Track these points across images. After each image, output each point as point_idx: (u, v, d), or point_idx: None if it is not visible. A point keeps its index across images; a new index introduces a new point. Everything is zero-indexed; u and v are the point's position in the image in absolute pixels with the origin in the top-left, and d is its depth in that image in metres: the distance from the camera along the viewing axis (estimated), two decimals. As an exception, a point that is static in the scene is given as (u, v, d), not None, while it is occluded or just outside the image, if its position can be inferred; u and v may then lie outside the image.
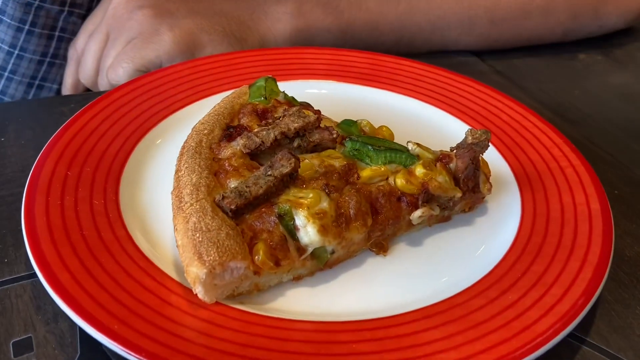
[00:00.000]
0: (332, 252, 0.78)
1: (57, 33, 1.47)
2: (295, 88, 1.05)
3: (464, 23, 1.41)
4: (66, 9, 1.45)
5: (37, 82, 1.50)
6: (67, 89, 1.44)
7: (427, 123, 1.10)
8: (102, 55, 1.32)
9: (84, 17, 1.47)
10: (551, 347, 0.67)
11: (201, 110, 0.98)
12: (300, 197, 0.78)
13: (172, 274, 0.75)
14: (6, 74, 1.45)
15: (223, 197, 0.76)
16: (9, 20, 1.39)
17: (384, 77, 1.19)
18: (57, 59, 1.49)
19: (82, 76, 1.37)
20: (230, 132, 0.90)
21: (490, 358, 0.65)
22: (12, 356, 0.70)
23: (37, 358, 0.70)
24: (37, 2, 1.38)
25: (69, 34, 1.48)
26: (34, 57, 1.46)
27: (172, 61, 1.23)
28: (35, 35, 1.43)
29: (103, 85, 1.31)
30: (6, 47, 1.42)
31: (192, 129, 0.91)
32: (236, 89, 1.03)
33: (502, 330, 0.68)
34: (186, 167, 0.82)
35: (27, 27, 1.41)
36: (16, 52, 1.43)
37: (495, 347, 0.65)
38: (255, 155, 0.86)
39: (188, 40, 1.24)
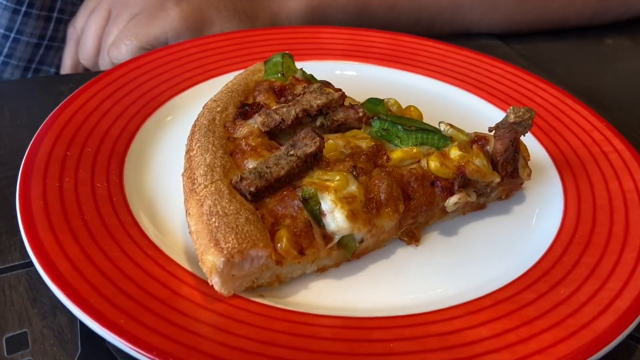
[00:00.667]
0: (361, 241, 0.71)
1: (55, 14, 1.38)
2: (310, 69, 0.97)
3: (487, 2, 1.33)
4: None
5: (34, 65, 1.41)
6: (65, 71, 1.36)
7: (455, 106, 1.02)
8: (103, 33, 1.24)
9: None
10: (612, 348, 0.60)
11: (210, 91, 0.90)
12: (326, 180, 0.70)
13: (184, 263, 0.68)
14: (2, 58, 1.37)
15: (241, 179, 0.69)
16: (4, 2, 1.30)
17: (406, 58, 1.12)
18: (54, 42, 1.41)
19: (82, 56, 1.29)
20: (245, 109, 0.82)
21: (547, 360, 0.58)
22: (5, 353, 0.62)
23: (34, 355, 0.62)
24: None
25: (68, 16, 1.40)
26: (31, 40, 1.38)
27: (178, 38, 1.15)
28: (33, 17, 1.35)
29: (104, 65, 1.23)
30: (2, 31, 1.33)
31: (204, 107, 0.83)
32: (249, 67, 0.95)
33: (557, 329, 0.61)
34: (199, 147, 0.74)
35: (24, 8, 1.33)
36: (12, 35, 1.35)
37: (553, 348, 0.58)
38: (274, 135, 0.79)
39: (196, 17, 1.16)
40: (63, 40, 1.39)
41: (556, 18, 1.41)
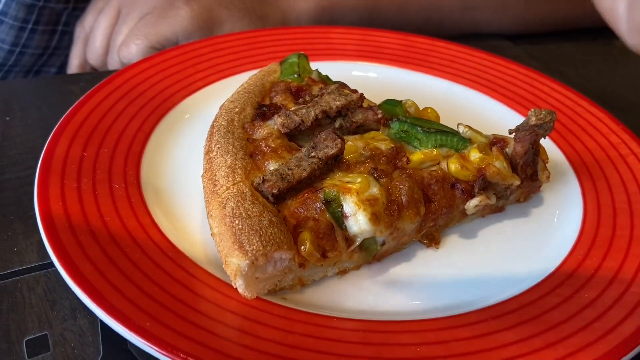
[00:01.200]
0: (383, 244, 0.70)
1: (60, 27, 1.36)
2: (322, 69, 0.97)
3: (497, 2, 1.33)
4: (71, 5, 1.34)
5: (35, 68, 1.40)
6: (72, 70, 1.34)
7: (469, 107, 1.02)
8: (112, 32, 1.23)
9: None
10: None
11: (223, 91, 0.90)
12: (348, 182, 0.70)
13: (205, 264, 0.67)
14: (6, 68, 1.36)
15: (263, 180, 0.68)
16: (11, 22, 1.28)
17: (419, 59, 1.11)
18: (58, 50, 1.39)
19: (90, 55, 1.27)
20: (263, 110, 0.81)
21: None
22: (26, 356, 0.61)
23: (55, 359, 0.61)
24: (41, 3, 1.27)
25: (72, 28, 1.38)
26: (36, 51, 1.36)
27: (189, 38, 1.14)
28: (38, 32, 1.32)
29: (113, 64, 1.22)
30: (7, 47, 1.31)
31: (221, 108, 0.83)
32: (264, 67, 0.94)
33: (583, 333, 0.60)
34: (218, 148, 0.74)
35: (30, 26, 1.30)
36: (18, 49, 1.32)
37: (581, 352, 0.58)
38: (292, 136, 0.78)
39: (206, 16, 1.16)
40: (67, 47, 1.37)
41: (567, 18, 1.41)
